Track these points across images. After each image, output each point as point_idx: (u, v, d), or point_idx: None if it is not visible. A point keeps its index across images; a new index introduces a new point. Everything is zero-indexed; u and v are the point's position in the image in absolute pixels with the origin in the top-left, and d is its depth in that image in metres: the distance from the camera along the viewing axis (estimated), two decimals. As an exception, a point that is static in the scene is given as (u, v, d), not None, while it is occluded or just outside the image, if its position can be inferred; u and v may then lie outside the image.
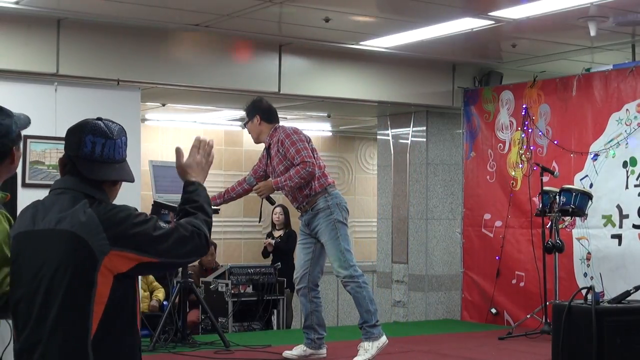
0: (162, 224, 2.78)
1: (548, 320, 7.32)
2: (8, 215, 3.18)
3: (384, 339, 6.22)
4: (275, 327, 8.59)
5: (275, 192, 6.49)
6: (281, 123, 6.61)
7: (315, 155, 6.37)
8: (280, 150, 6.33)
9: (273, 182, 6.35)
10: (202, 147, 3.04)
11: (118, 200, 2.88)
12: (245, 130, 6.80)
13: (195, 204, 2.92)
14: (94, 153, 2.81)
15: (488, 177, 9.10)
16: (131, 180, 2.92)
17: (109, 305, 2.69)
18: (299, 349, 6.43)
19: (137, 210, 2.80)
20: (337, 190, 6.46)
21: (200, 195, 2.95)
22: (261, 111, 6.50)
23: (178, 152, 3.02)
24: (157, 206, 6.81)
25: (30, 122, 3.31)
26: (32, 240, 2.78)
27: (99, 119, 2.88)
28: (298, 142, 6.29)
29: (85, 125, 2.84)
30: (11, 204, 3.53)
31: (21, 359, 2.74)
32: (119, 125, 2.91)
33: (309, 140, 6.42)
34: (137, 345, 2.85)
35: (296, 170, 6.22)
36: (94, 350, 2.66)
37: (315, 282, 6.46)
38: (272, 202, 6.69)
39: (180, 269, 7.28)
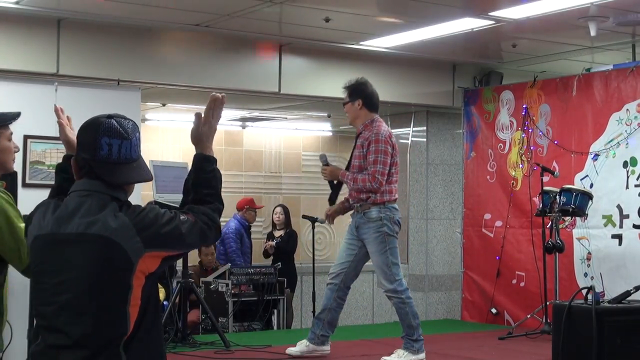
0: (183, 217, 2.74)
1: (548, 320, 7.32)
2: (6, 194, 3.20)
3: (421, 357, 6.18)
4: (275, 327, 8.58)
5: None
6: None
7: (392, 170, 6.27)
8: (363, 149, 6.27)
9: (341, 172, 6.34)
10: (217, 107, 2.92)
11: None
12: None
13: (212, 191, 2.85)
14: (111, 155, 2.73)
15: (488, 177, 9.10)
16: (150, 179, 2.89)
17: (142, 306, 2.67)
18: (302, 345, 6.45)
19: (159, 207, 2.77)
20: (395, 205, 6.38)
21: (218, 180, 2.88)
22: (365, 96, 6.35)
23: (198, 116, 2.91)
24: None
25: (17, 115, 3.35)
26: (58, 244, 2.69)
27: (110, 116, 2.77)
28: (382, 153, 6.19)
29: (99, 126, 2.74)
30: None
31: None
32: (132, 121, 2.83)
33: (393, 154, 6.28)
34: (163, 339, 2.85)
35: (362, 179, 6.19)
36: (126, 351, 2.63)
37: (348, 284, 6.44)
38: (334, 188, 6.51)
39: (180, 269, 7.29)
